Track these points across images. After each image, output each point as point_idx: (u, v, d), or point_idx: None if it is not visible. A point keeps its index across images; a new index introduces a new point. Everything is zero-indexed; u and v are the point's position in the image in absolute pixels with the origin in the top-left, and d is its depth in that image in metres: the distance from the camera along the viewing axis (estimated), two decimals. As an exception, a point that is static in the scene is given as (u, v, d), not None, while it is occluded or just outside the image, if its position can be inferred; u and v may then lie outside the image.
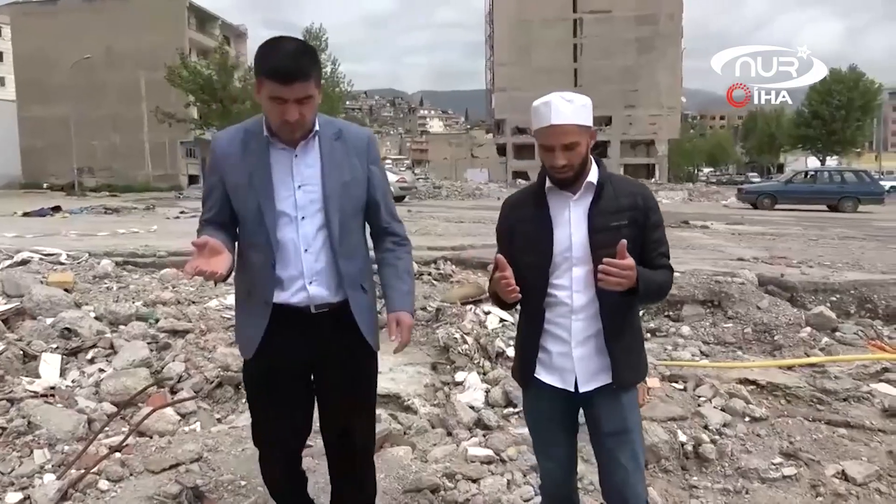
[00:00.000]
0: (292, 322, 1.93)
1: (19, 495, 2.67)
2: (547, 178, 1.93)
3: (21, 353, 4.06)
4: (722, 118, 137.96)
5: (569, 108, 1.81)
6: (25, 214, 17.04)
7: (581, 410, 2.04)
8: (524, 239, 1.96)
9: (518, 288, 1.84)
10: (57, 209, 18.54)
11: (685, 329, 5.46)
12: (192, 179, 48.61)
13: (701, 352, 4.99)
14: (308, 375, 2.08)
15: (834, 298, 5.96)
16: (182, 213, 18.52)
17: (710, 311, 5.71)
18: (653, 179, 56.44)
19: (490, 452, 3.32)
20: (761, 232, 13.07)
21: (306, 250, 1.91)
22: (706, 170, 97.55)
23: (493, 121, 73.71)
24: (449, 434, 3.70)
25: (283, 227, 1.89)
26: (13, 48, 53.19)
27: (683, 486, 3.21)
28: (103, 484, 2.83)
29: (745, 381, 4.21)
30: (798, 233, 12.98)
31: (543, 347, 1.97)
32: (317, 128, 1.91)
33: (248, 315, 1.99)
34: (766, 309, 5.52)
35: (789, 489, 3.08)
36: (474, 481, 3.02)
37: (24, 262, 6.77)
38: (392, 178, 25.09)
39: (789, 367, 4.53)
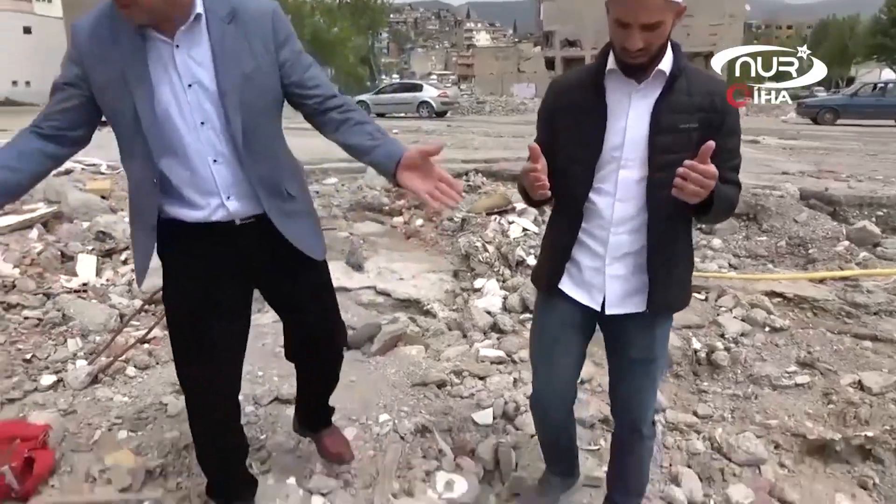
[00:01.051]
0: (214, 234, 1.70)
1: (53, 377, 2.88)
2: (610, 58, 1.58)
3: (59, 253, 4.26)
4: (789, 27, 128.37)
5: None
6: (76, 129, 17.52)
7: (598, 324, 1.86)
8: (571, 128, 1.65)
9: (548, 184, 1.57)
10: (105, 124, 18.96)
11: (716, 242, 5.31)
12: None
13: (730, 264, 4.87)
14: (244, 303, 1.88)
15: (880, 213, 5.69)
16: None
17: (744, 224, 5.54)
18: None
19: (501, 354, 3.36)
20: (815, 147, 12.40)
21: (216, 161, 1.63)
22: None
23: (542, 33, 70.53)
24: (464, 336, 3.77)
25: (182, 135, 1.58)
26: (56, -39, 52.98)
27: (693, 390, 3.22)
28: (131, 371, 3.02)
29: (771, 294, 4.12)
30: (856, 148, 12.25)
31: (573, 258, 1.75)
32: (198, 10, 1.53)
33: (136, 239, 1.76)
34: (804, 222, 5.31)
35: (800, 396, 3.06)
36: (481, 378, 3.08)
37: (67, 172, 6.99)
38: (433, 92, 24.57)
39: (820, 280, 4.39)
